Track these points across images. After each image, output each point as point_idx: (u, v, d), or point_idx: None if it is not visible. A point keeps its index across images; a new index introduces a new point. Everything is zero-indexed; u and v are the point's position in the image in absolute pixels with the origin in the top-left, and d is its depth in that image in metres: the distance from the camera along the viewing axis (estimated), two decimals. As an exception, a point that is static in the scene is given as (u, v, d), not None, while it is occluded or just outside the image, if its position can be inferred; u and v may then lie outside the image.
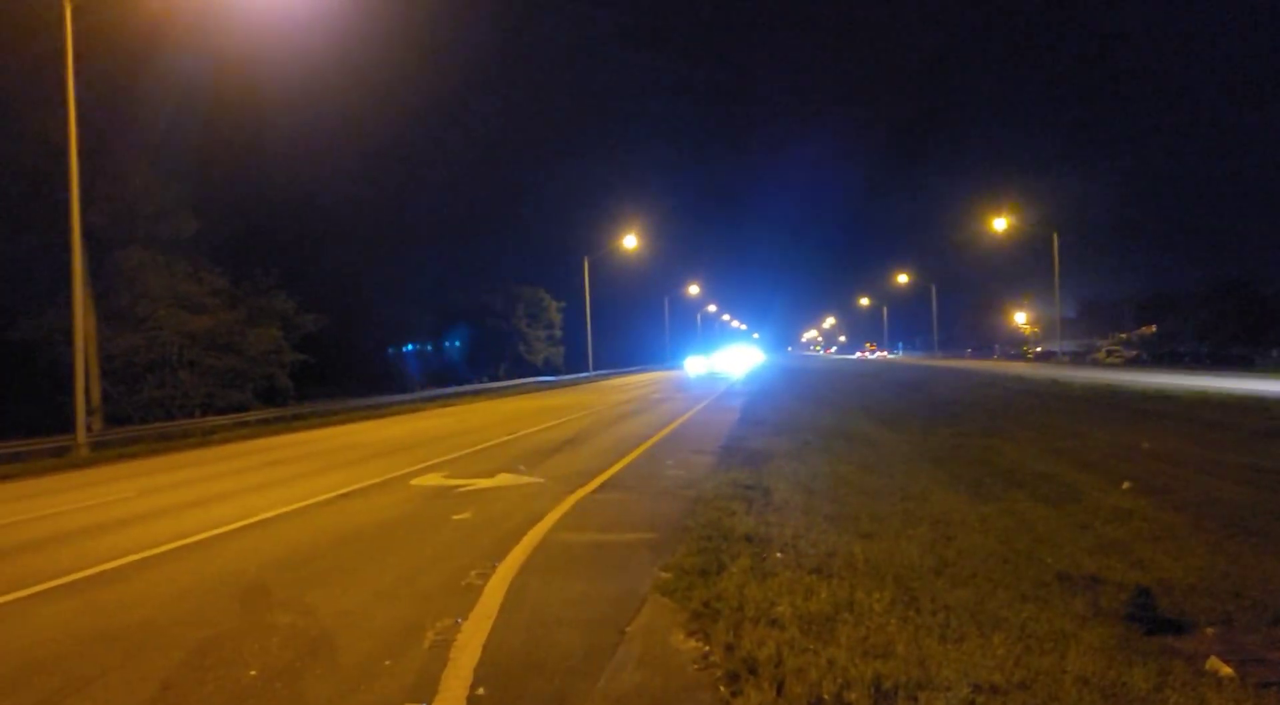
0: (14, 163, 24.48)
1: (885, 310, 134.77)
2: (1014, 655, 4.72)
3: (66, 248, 19.63)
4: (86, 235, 20.42)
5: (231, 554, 8.35)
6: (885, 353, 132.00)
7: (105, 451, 19.99)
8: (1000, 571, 6.73)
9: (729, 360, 72.20)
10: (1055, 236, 56.19)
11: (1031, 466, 12.23)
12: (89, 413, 20.44)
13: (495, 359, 60.59)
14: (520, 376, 57.16)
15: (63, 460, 18.61)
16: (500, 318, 61.61)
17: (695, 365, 66.16)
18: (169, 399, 28.32)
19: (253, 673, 4.89)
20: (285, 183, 37.33)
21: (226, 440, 22.84)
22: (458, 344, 55.16)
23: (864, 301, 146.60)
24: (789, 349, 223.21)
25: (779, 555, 6.95)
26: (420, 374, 48.83)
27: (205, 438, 23.51)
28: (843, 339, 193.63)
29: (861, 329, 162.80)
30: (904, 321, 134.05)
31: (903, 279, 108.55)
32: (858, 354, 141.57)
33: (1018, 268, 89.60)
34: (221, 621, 5.98)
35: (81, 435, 19.61)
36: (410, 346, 48.75)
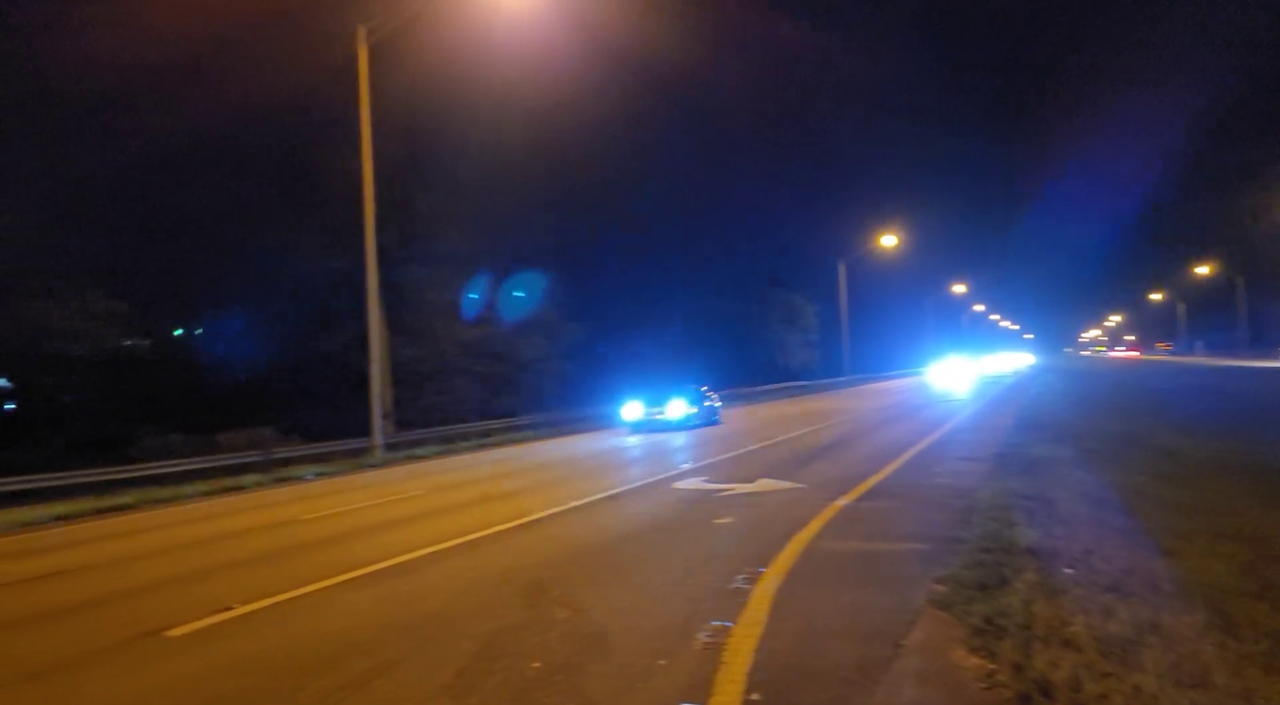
0: (322, 192, 27.44)
1: (1182, 306, 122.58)
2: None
3: (363, 266, 21.67)
4: (380, 255, 22.41)
5: (509, 551, 8.83)
6: (1178, 352, 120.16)
7: (396, 453, 21.84)
8: (1336, 598, 5.87)
9: (988, 366, 67.37)
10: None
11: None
12: (383, 417, 22.38)
13: (748, 364, 60.69)
14: (774, 381, 56.91)
15: (361, 460, 20.51)
16: (754, 322, 61.68)
17: (943, 372, 59.20)
18: (448, 405, 30.57)
19: (536, 665, 5.10)
20: (553, 197, 39.20)
21: (500, 443, 24.35)
22: (710, 349, 55.70)
23: (1156, 297, 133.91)
24: (1066, 350, 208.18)
25: (1068, 571, 6.42)
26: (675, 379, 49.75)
27: (482, 441, 25.16)
28: (1131, 338, 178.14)
29: (1152, 327, 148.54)
30: (1204, 318, 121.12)
31: (1203, 271, 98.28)
32: (1125, 351, 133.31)
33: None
34: (504, 615, 6.29)
35: (377, 438, 21.53)
36: (664, 351, 49.80)
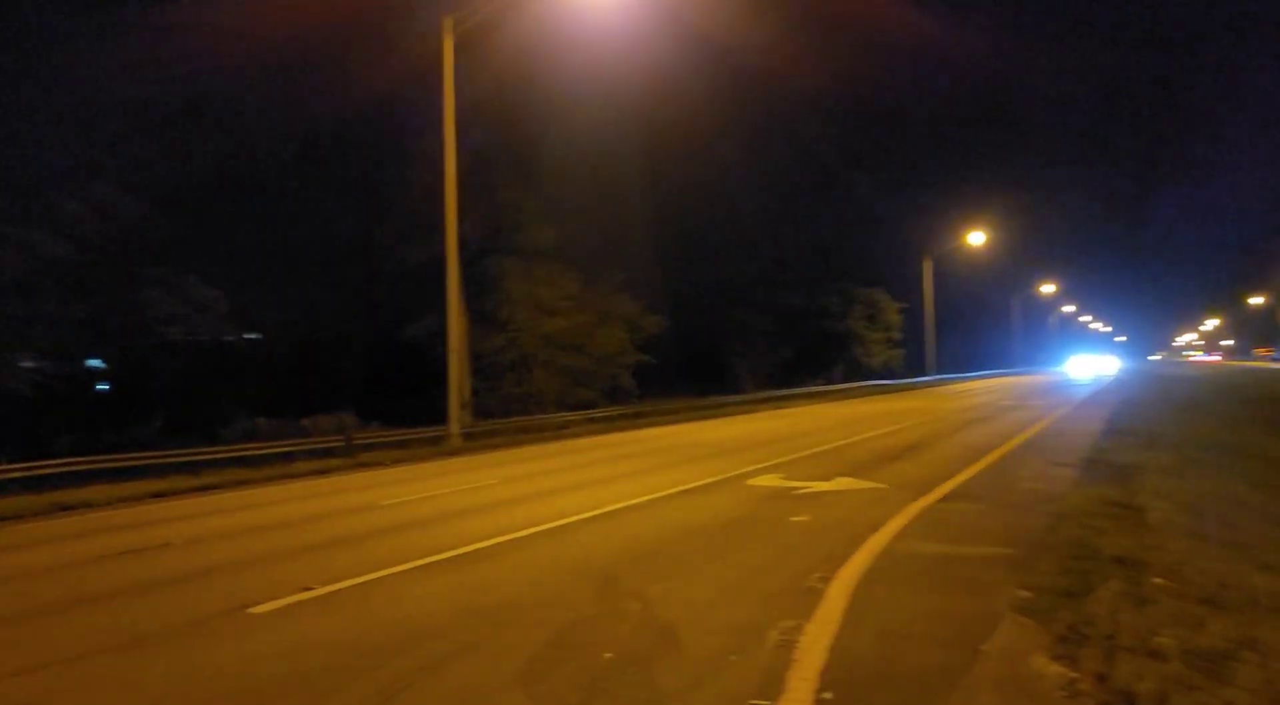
0: (407, 182, 27.97)
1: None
2: None
3: (444, 257, 22.02)
4: (460, 246, 22.73)
5: (583, 542, 8.87)
6: None
7: (473, 442, 22.13)
8: None
9: (1076, 367, 65.75)
10: None
11: None
12: (461, 406, 22.71)
13: (830, 361, 59.95)
14: (856, 380, 56.16)
15: (439, 448, 20.84)
16: (836, 319, 60.80)
17: (1081, 367, 61.03)
18: (526, 395, 30.86)
19: (608, 655, 5.12)
20: (640, 189, 39.26)
21: (576, 435, 24.49)
22: (792, 345, 55.14)
23: (1255, 300, 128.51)
24: (1161, 354, 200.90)
25: (1158, 581, 6.18)
26: (753, 375, 49.38)
27: (558, 432, 25.35)
28: (1229, 343, 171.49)
29: (1252, 331, 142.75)
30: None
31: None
32: (1206, 357, 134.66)
33: None
34: (577, 605, 6.33)
35: (454, 427, 21.83)
36: (743, 347, 49.42)
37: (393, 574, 7.56)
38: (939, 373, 62.85)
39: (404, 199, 28.73)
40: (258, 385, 30.18)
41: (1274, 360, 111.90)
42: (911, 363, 64.85)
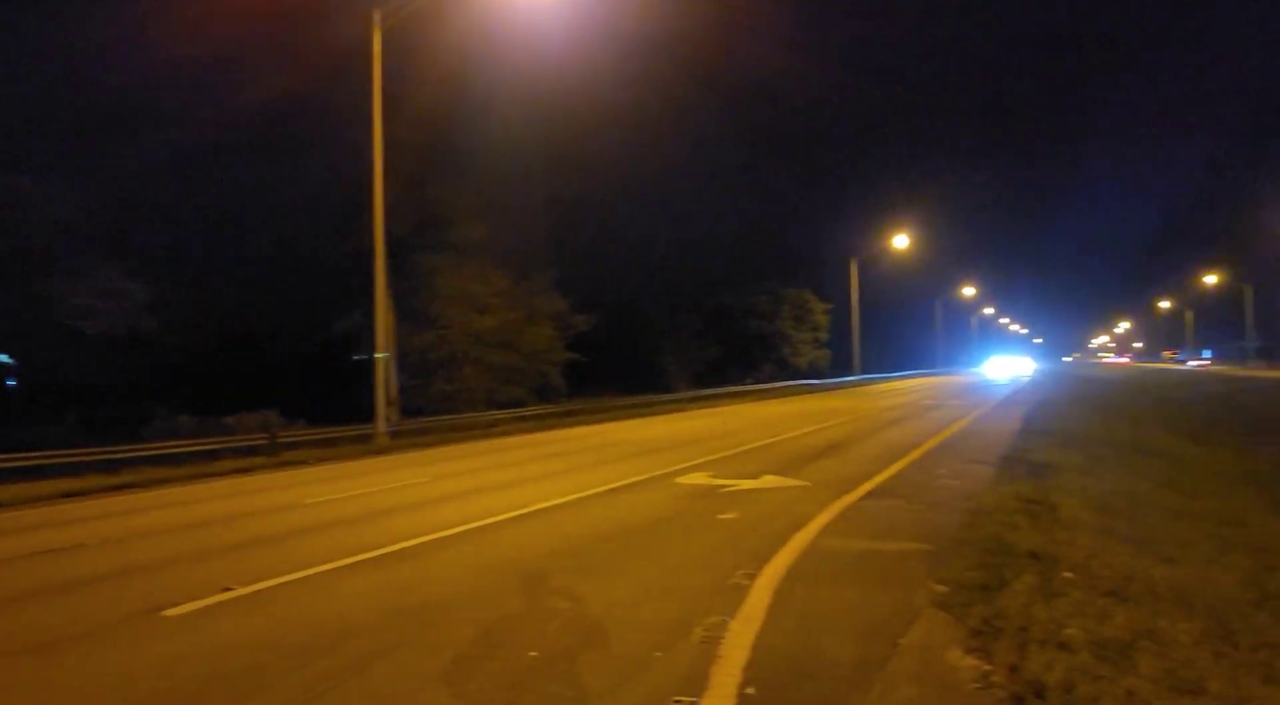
0: (337, 176, 27.50)
1: (1189, 314, 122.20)
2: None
3: (372, 252, 21.71)
4: (389, 241, 22.44)
5: (511, 540, 8.86)
6: (1198, 361, 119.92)
7: (400, 440, 21.88)
8: (1338, 611, 5.85)
9: (994, 369, 67.35)
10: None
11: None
12: (388, 404, 22.44)
13: (759, 360, 60.63)
14: (783, 379, 56.86)
15: (365, 447, 20.57)
16: (765, 319, 61.53)
17: (999, 368, 62.74)
18: (455, 393, 30.59)
19: (533, 654, 5.13)
20: (571, 188, 39.26)
21: (506, 433, 24.37)
22: (721, 344, 55.65)
23: (1164, 304, 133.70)
24: (1075, 356, 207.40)
25: (1068, 575, 6.42)
26: (683, 374, 49.71)
27: (487, 430, 25.20)
28: (1139, 345, 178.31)
29: (1160, 334, 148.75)
30: (1212, 327, 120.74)
31: (1211, 280, 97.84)
32: (1115, 360, 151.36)
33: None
34: (504, 604, 6.32)
35: (381, 425, 21.56)
36: (673, 346, 49.72)
37: (317, 573, 7.46)
38: (864, 373, 63.98)
39: (332, 193, 28.25)
40: (180, 382, 29.39)
41: (1179, 362, 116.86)
42: (837, 363, 65.93)
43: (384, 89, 21.30)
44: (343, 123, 26.21)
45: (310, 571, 7.49)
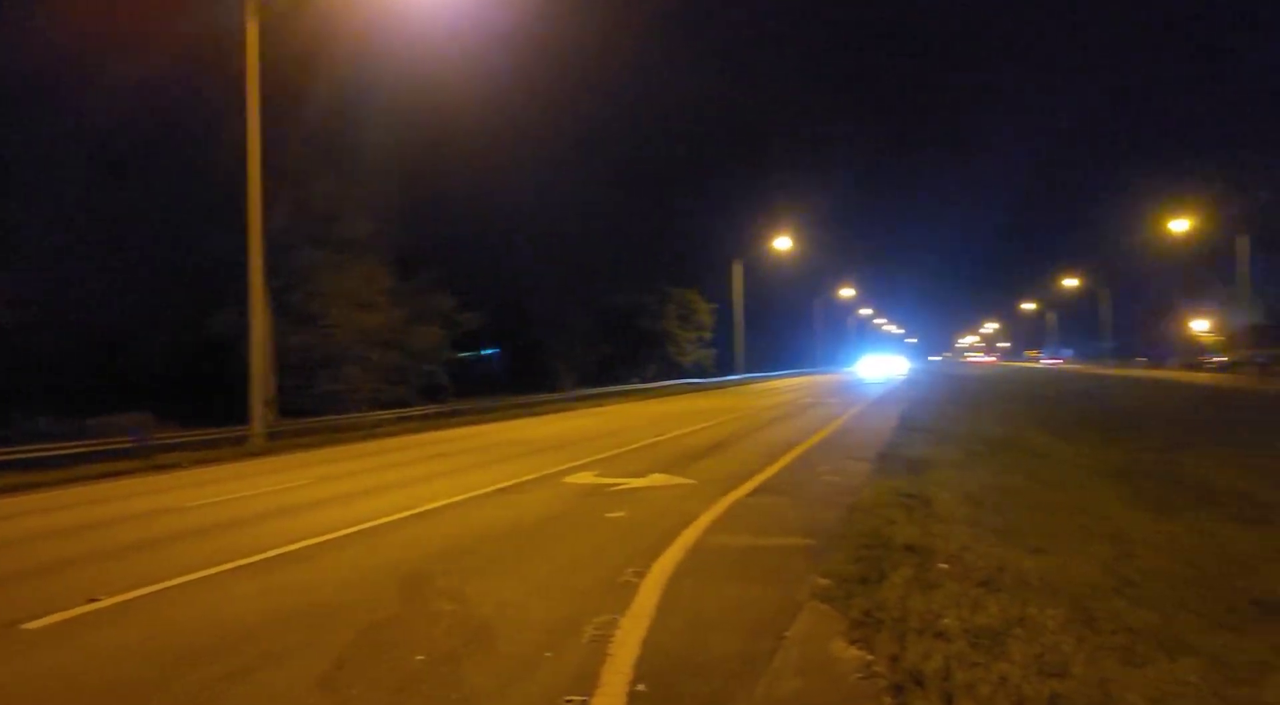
0: (212, 168, 26.35)
1: (1052, 316, 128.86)
2: (1208, 684, 4.37)
3: (249, 249, 20.96)
4: (267, 236, 21.71)
5: (398, 542, 8.70)
6: (1049, 359, 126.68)
7: (279, 442, 21.21)
8: (1187, 594, 6.25)
9: (861, 368, 68.81)
10: (1244, 241, 52.60)
11: (1221, 483, 11.34)
12: (265, 405, 21.72)
13: (645, 360, 61.05)
14: (670, 378, 57.38)
15: (241, 449, 19.86)
16: (652, 319, 61.97)
17: (872, 367, 64.44)
18: (339, 393, 29.77)
19: (420, 657, 5.05)
20: (454, 184, 38.75)
21: (390, 434, 23.88)
22: (609, 343, 55.83)
23: (1029, 306, 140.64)
24: (945, 355, 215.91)
25: (943, 567, 6.68)
26: (571, 374, 49.67)
27: (371, 431, 24.64)
28: (1005, 345, 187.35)
29: (1026, 335, 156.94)
30: (1071, 327, 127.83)
31: (1071, 283, 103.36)
32: (980, 359, 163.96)
33: (1202, 273, 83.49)
34: (390, 607, 6.21)
35: (258, 426, 20.86)
36: (562, 346, 49.61)
37: (194, 580, 7.17)
38: (747, 372, 65.14)
39: (208, 187, 27.09)
40: (38, 382, 27.69)
41: (1042, 361, 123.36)
42: (722, 362, 66.95)
43: (263, 81, 20.59)
44: (217, 114, 25.22)
45: (186, 578, 7.19)
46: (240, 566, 7.62)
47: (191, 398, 27.63)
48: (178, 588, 6.94)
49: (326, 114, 28.82)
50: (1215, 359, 70.99)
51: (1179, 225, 59.13)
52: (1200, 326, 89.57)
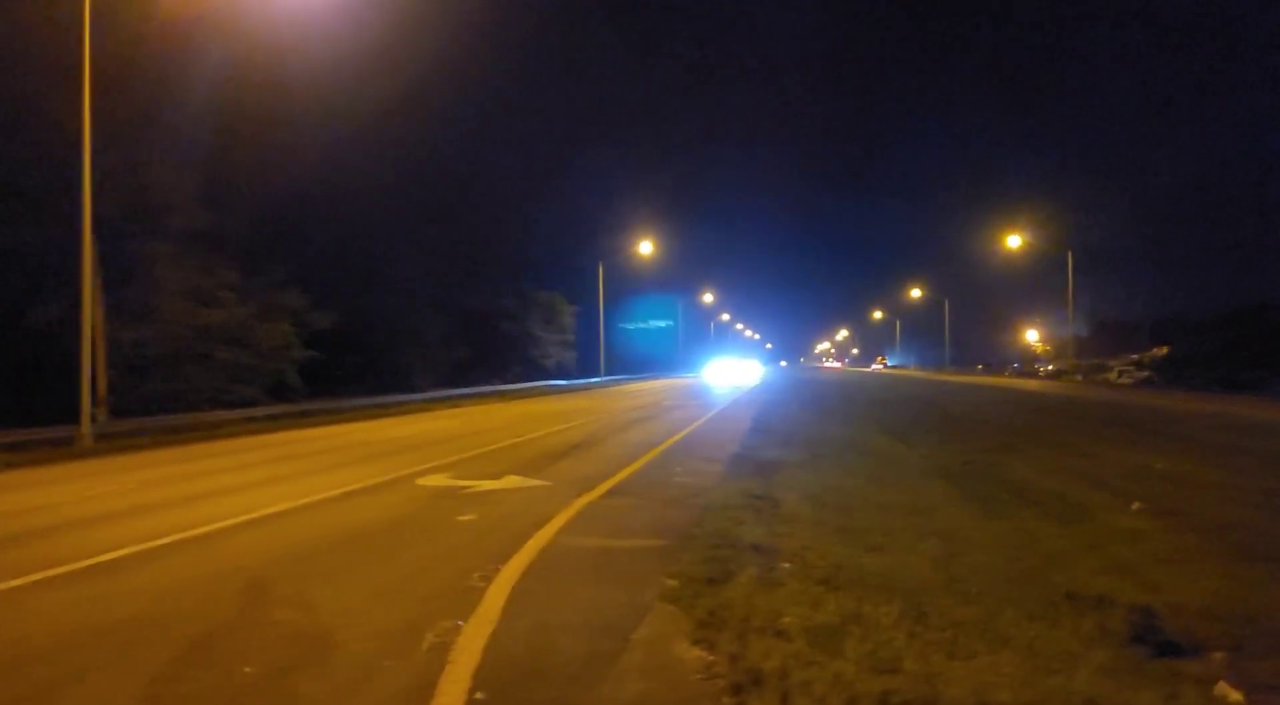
0: (37, 152, 24.55)
1: (898, 324, 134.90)
2: (1023, 674, 4.61)
3: (79, 237, 19.67)
4: (98, 226, 20.44)
5: (234, 549, 8.29)
6: (895, 366, 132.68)
7: (109, 443, 19.95)
8: (1009, 589, 6.60)
9: (716, 372, 69.06)
10: (1069, 255, 56.44)
11: (1043, 484, 12.06)
12: (94, 404, 20.44)
13: (507, 362, 60.53)
14: (531, 380, 57.04)
15: (65, 450, 18.60)
16: (513, 320, 61.52)
17: (720, 372, 65.37)
18: (178, 392, 28.27)
19: (248, 670, 4.81)
20: (304, 181, 37.38)
21: (234, 435, 22.82)
22: (469, 345, 55.05)
23: (877, 314, 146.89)
24: (800, 360, 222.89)
25: (786, 566, 6.85)
26: (430, 374, 48.71)
27: (212, 432, 23.48)
28: (855, 352, 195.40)
29: (874, 342, 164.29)
30: (917, 336, 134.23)
31: (916, 293, 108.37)
32: (826, 364, 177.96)
33: (1034, 285, 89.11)
34: (219, 617, 5.90)
35: (85, 426, 19.57)
36: (417, 347, 48.56)
37: (-3, 594, 6.64)
38: (610, 374, 65.39)
39: (30, 171, 25.23)
40: None
41: (887, 366, 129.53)
42: (585, 364, 67.02)
43: (97, 59, 19.36)
44: (34, 94, 23.55)
45: (-12, 591, 6.65)
46: (45, 578, 7.08)
47: (9, 395, 25.64)
48: (-23, 602, 6.42)
49: (165, 103, 27.39)
50: (1046, 367, 76.11)
51: (1013, 240, 62.82)
52: (1032, 336, 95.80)
